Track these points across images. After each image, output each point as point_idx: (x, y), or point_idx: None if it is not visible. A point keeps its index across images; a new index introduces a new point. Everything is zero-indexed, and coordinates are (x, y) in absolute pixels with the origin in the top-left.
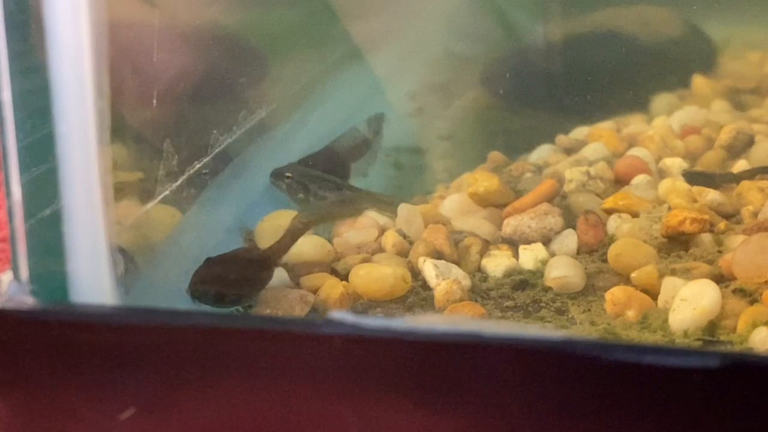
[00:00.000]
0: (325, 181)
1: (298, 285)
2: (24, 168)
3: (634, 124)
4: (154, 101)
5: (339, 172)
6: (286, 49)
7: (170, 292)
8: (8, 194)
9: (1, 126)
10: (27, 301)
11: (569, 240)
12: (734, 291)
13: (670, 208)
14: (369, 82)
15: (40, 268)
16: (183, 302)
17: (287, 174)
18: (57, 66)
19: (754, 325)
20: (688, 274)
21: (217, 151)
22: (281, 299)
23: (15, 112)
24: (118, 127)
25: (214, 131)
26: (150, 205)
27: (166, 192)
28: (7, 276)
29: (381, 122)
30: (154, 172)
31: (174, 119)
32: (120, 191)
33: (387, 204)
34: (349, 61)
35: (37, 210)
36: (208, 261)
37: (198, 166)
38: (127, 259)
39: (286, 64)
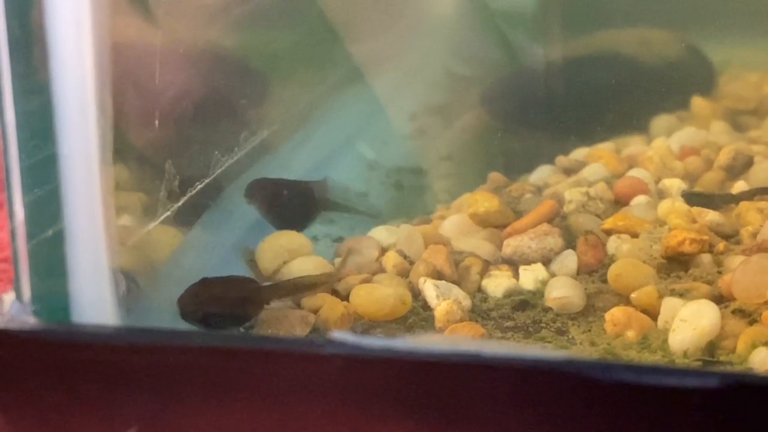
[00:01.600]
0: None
1: (298, 305)
2: (27, 189)
3: (633, 145)
4: (156, 122)
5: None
6: (287, 70)
7: (171, 313)
8: (11, 215)
9: (4, 147)
10: (29, 321)
11: (569, 260)
12: (734, 311)
13: (669, 229)
14: (370, 103)
15: (43, 288)
16: (184, 323)
17: (252, 193)
18: (60, 87)
19: (754, 346)
20: (687, 295)
21: (218, 171)
22: (282, 319)
23: (18, 133)
24: (120, 148)
25: (216, 152)
26: (151, 225)
27: (168, 213)
28: (10, 296)
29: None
30: (155, 192)
31: (175, 140)
32: (121, 212)
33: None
34: (351, 82)
35: (40, 231)
36: (204, 281)
37: (199, 186)
38: (129, 280)
39: (288, 85)
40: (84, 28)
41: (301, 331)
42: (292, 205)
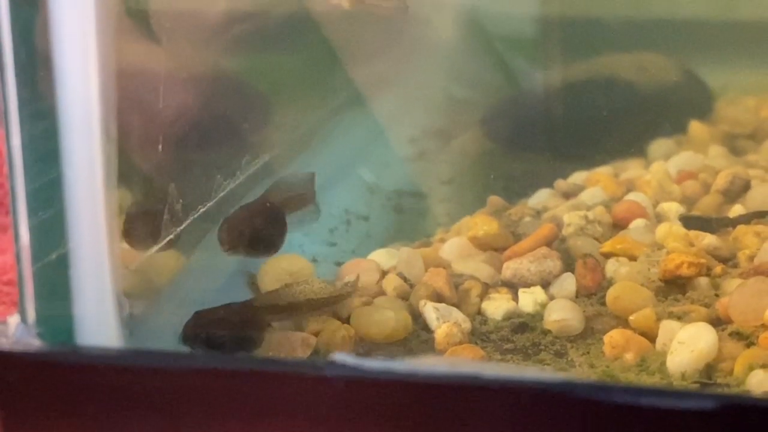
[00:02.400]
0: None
1: (299, 327)
2: (32, 212)
3: (631, 169)
4: (160, 146)
5: (274, 224)
6: (289, 93)
7: (174, 335)
8: (17, 238)
9: (10, 171)
10: (34, 343)
11: (568, 283)
12: (731, 334)
13: (667, 252)
14: (371, 127)
15: (47, 311)
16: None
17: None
18: (66, 111)
19: (751, 368)
20: (685, 318)
21: (220, 195)
22: (284, 342)
23: (24, 157)
24: (124, 171)
25: (218, 176)
26: (154, 249)
27: (171, 236)
28: (15, 319)
29: (312, 181)
30: (158, 216)
31: (178, 164)
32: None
33: None
34: (352, 106)
35: (44, 254)
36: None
37: (202, 210)
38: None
39: (290, 108)
40: (89, 53)
41: (302, 353)
42: (265, 231)
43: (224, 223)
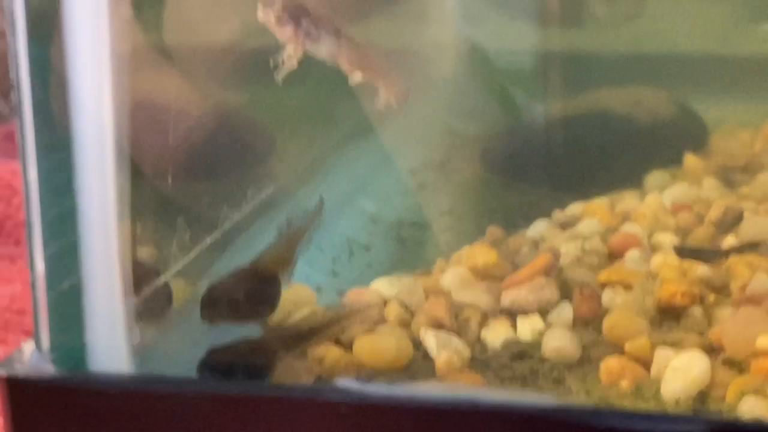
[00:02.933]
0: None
1: (303, 355)
2: (46, 242)
3: (627, 200)
4: (169, 178)
5: (266, 289)
6: (294, 125)
7: (182, 362)
8: (32, 267)
9: (27, 203)
10: (48, 369)
11: (565, 312)
12: (723, 361)
13: (662, 282)
14: (373, 158)
15: (61, 338)
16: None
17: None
18: (80, 143)
19: (742, 394)
20: (679, 345)
21: (227, 226)
22: (289, 369)
23: (39, 189)
24: (135, 203)
25: (224, 207)
26: (163, 278)
27: (179, 266)
28: (29, 346)
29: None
30: (167, 246)
31: (187, 195)
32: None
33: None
34: (354, 138)
35: (58, 283)
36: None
37: (209, 240)
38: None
39: (295, 140)
40: (104, 86)
41: (307, 380)
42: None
43: (207, 293)
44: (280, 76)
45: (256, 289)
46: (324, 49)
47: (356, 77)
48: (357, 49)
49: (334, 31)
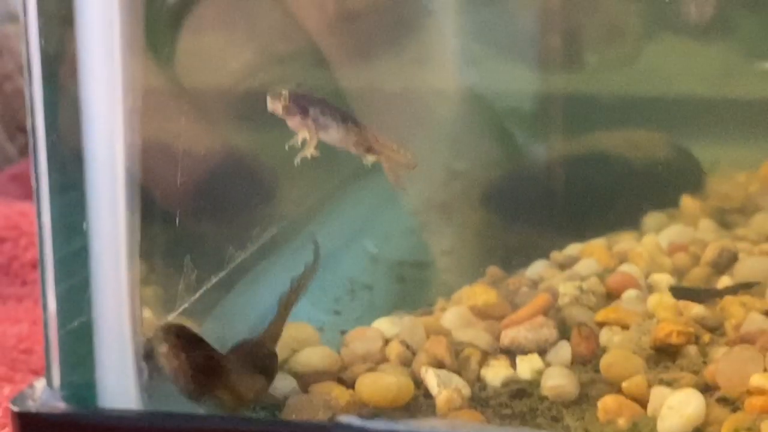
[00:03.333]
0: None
1: (306, 391)
2: (58, 281)
3: (624, 241)
4: (177, 219)
5: (265, 363)
6: (298, 166)
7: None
8: (44, 306)
9: (40, 243)
10: (59, 406)
11: (564, 351)
12: (718, 400)
13: (658, 322)
14: (374, 199)
15: (71, 375)
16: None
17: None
18: (92, 184)
19: None
20: (675, 384)
21: (232, 266)
22: (306, 404)
23: (52, 229)
24: (144, 243)
25: (230, 247)
26: (170, 317)
27: (185, 305)
28: (41, 383)
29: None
30: (174, 286)
31: (194, 236)
32: (144, 304)
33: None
34: (357, 178)
35: (69, 320)
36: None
37: (215, 280)
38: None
39: (298, 181)
40: (117, 127)
41: (323, 416)
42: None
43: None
44: (297, 161)
45: (257, 366)
46: (332, 135)
47: (368, 159)
48: (363, 131)
49: (341, 117)
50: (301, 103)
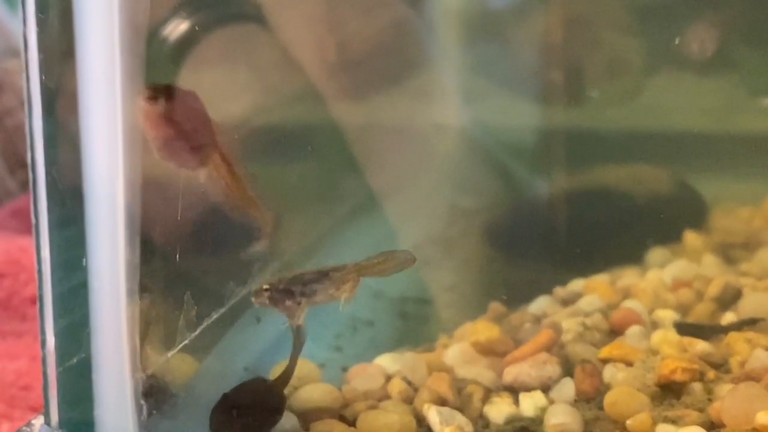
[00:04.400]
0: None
1: (307, 430)
2: (56, 317)
3: (628, 277)
4: (177, 255)
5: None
6: (299, 201)
7: None
8: (43, 343)
9: (39, 280)
10: None
11: (567, 388)
12: None
13: (662, 358)
14: (376, 234)
15: (69, 413)
16: None
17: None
18: (91, 220)
19: None
20: (679, 422)
21: (233, 302)
22: None
23: (51, 265)
24: (144, 279)
25: (231, 283)
26: (170, 354)
27: (185, 341)
28: (38, 420)
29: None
30: (174, 322)
31: (194, 272)
32: (143, 341)
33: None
34: (359, 213)
35: (68, 358)
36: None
37: (215, 316)
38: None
39: (299, 216)
40: (117, 166)
41: None
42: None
43: (214, 412)
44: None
45: (266, 403)
46: (322, 297)
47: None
48: (345, 271)
49: (321, 278)
50: (282, 290)
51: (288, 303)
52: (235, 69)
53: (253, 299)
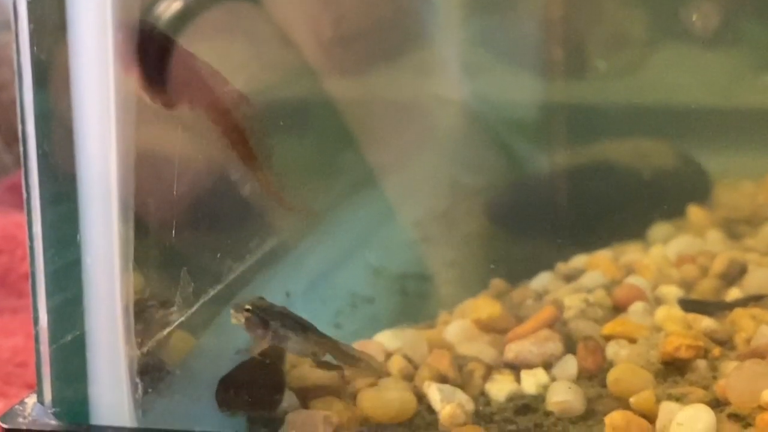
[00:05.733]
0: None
1: (306, 407)
2: (49, 294)
3: (631, 252)
4: (173, 231)
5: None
6: (298, 177)
7: (185, 415)
8: (36, 320)
9: (31, 256)
10: (50, 423)
11: (569, 365)
12: (729, 415)
13: (666, 335)
14: (377, 210)
15: (63, 391)
16: (197, 424)
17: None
18: (85, 196)
19: None
20: (684, 399)
21: (230, 278)
22: (307, 421)
23: (44, 241)
24: (139, 255)
25: (228, 259)
26: (166, 331)
27: (182, 318)
28: (31, 399)
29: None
30: (170, 299)
31: (190, 248)
32: (138, 317)
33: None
34: (359, 189)
35: (61, 335)
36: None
37: (212, 293)
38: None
39: (298, 192)
40: (110, 140)
41: None
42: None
43: (221, 384)
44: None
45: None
46: (291, 346)
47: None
48: (324, 342)
49: (301, 328)
50: (261, 318)
51: (259, 332)
52: (231, 46)
53: (231, 311)
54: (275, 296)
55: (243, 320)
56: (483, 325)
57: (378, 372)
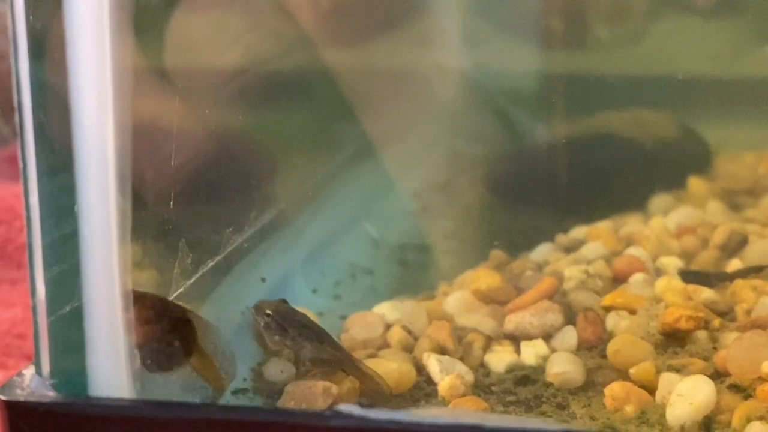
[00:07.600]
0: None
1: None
2: (47, 266)
3: (631, 223)
4: (171, 202)
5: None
6: (297, 149)
7: (184, 387)
8: (33, 291)
9: (28, 227)
10: (48, 394)
11: (569, 336)
12: (729, 387)
13: (666, 306)
14: (376, 181)
15: (61, 363)
16: (196, 396)
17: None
18: (82, 166)
19: (748, 420)
20: (684, 370)
21: (229, 249)
22: (306, 391)
23: (40, 212)
24: (137, 226)
25: (227, 230)
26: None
27: (180, 290)
28: (29, 370)
29: None
30: (169, 270)
31: (189, 219)
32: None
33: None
34: (358, 160)
35: (59, 307)
36: None
37: (211, 264)
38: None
39: (297, 164)
40: (107, 109)
41: (323, 403)
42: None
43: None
44: None
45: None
46: (305, 354)
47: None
48: (339, 353)
49: (317, 338)
50: (281, 324)
51: (276, 337)
52: (227, 16)
53: (252, 311)
54: (274, 269)
55: (262, 324)
56: (483, 296)
57: (385, 391)
